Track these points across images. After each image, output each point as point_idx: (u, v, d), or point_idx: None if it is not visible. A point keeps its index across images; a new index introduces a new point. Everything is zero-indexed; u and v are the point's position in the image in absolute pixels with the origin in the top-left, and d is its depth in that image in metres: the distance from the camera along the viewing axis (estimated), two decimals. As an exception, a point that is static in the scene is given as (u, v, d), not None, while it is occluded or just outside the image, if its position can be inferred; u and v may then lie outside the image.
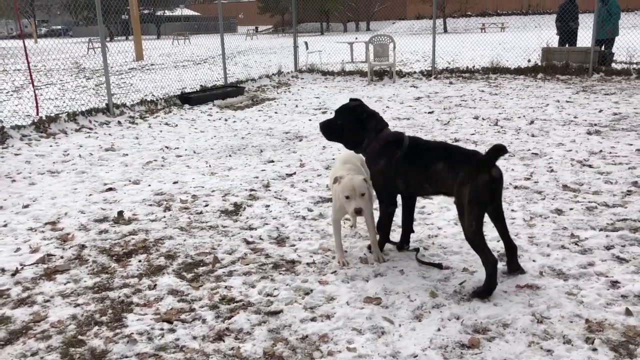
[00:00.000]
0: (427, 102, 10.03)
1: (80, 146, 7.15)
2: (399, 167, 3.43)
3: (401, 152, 3.43)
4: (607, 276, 3.33)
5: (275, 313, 3.04)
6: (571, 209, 4.47)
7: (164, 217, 4.55)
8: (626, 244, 3.77)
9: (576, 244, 3.81)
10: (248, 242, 4.01)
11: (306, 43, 21.30)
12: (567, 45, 13.74)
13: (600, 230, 4.03)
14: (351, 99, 3.72)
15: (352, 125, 3.56)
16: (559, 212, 4.42)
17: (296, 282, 3.39)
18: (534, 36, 16.64)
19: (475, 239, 3.08)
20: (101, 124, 8.49)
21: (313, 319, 2.98)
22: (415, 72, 13.81)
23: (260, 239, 4.08)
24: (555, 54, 13.04)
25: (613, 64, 12.86)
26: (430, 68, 13.85)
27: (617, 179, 5.15)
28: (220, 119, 9.05)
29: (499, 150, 2.96)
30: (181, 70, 16.37)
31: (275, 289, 3.31)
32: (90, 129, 8.22)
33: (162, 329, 2.91)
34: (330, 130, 3.66)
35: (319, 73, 14.62)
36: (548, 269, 3.45)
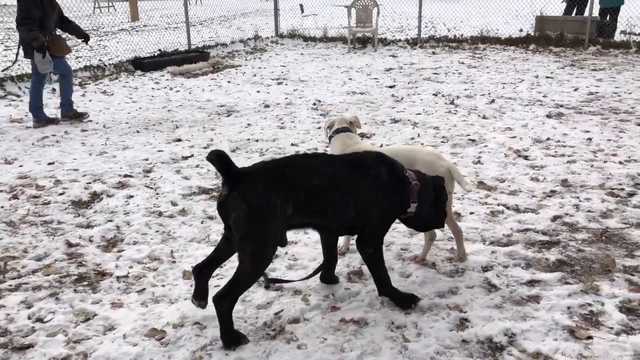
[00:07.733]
0: (396, 74, 9.21)
1: (-11, 117, 6.60)
2: None
3: None
4: (461, 312, 2.68)
5: (24, 348, 2.48)
6: (472, 213, 3.78)
7: (2, 207, 3.99)
8: (510, 265, 3.10)
9: (451, 261, 3.15)
10: (70, 245, 3.42)
11: (301, 6, 20.33)
12: (574, 14, 12.58)
13: (490, 243, 3.35)
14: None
15: None
16: (457, 215, 3.72)
17: (85, 303, 2.81)
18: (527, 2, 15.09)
19: None
20: (32, 92, 7.92)
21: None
22: (400, 40, 12.87)
23: (90, 240, 3.50)
24: (549, 23, 11.96)
25: (619, 36, 11.71)
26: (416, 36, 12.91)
27: (546, 175, 4.41)
28: (165, 88, 8.41)
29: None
30: (171, 32, 15.56)
31: (52, 312, 2.74)
32: (18, 96, 7.67)
33: None
34: None
35: (300, 39, 13.78)
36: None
